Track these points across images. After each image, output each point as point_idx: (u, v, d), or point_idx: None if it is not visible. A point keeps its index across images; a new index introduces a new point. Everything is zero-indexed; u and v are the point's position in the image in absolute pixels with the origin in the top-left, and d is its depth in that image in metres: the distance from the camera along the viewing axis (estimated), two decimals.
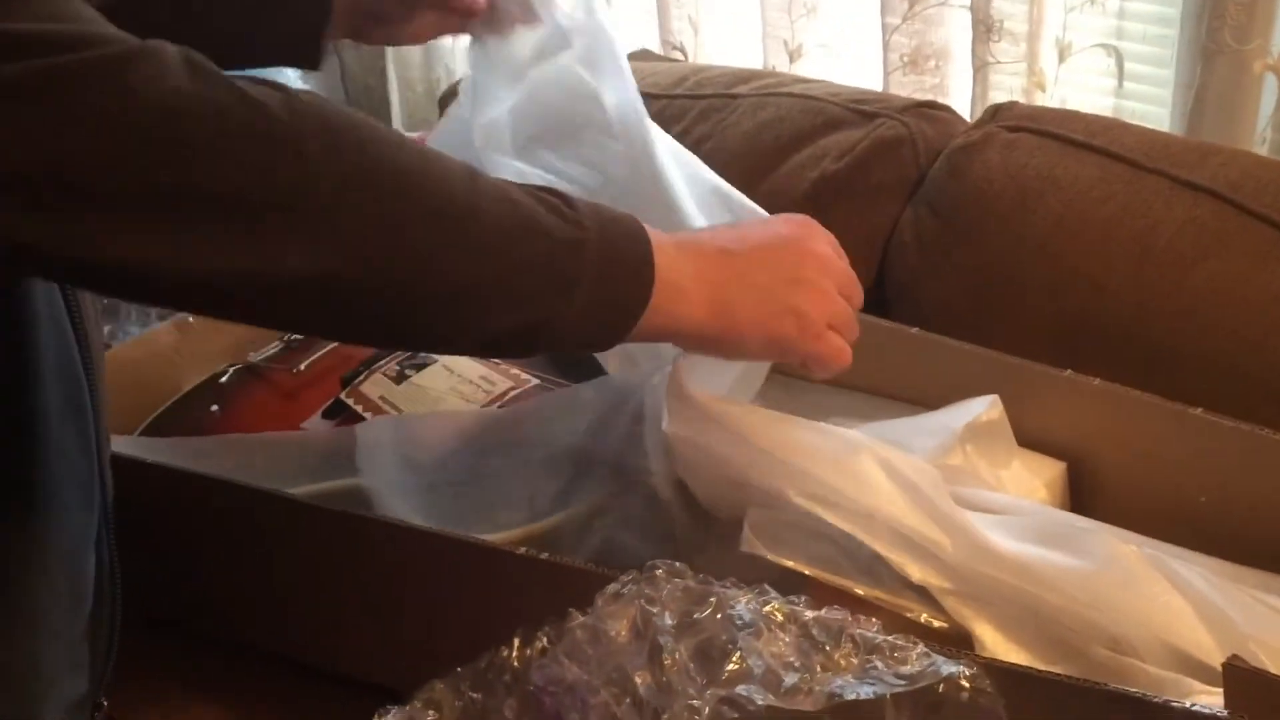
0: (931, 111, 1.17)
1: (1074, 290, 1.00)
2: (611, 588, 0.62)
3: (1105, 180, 1.02)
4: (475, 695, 0.64)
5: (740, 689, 0.55)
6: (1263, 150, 1.16)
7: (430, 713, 0.64)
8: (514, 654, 0.61)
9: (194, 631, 0.84)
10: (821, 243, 0.66)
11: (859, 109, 1.20)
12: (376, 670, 0.72)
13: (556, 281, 0.55)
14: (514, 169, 0.83)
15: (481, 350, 0.72)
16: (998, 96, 1.30)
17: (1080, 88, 1.31)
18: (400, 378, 0.97)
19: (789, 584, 0.65)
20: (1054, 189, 1.03)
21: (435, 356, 0.97)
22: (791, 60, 1.49)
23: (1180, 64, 1.16)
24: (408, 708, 0.64)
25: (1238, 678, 0.49)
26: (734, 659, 0.56)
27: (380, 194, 0.51)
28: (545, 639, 0.61)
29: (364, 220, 0.50)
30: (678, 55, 1.62)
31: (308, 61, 0.81)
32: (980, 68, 1.31)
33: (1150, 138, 1.05)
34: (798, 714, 0.54)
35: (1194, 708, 0.49)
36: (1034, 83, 1.30)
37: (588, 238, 0.56)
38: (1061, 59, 1.29)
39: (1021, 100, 1.27)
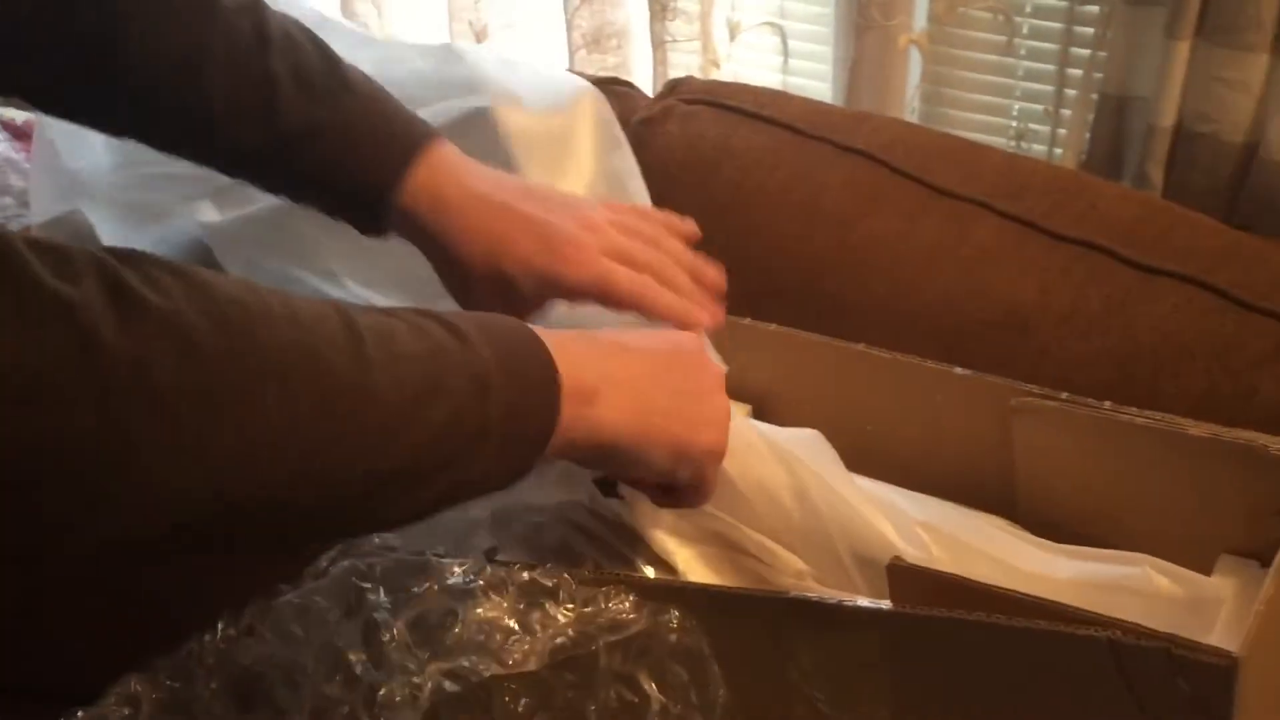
0: (613, 88, 1.21)
1: (753, 252, 1.06)
2: (322, 562, 0.61)
3: (775, 148, 1.08)
4: (175, 685, 0.62)
5: (463, 660, 0.55)
6: (913, 118, 1.27)
7: (124, 709, 0.61)
8: (217, 638, 0.59)
9: None
10: (714, 360, 0.62)
11: None
12: (71, 678, 0.68)
13: (464, 441, 0.48)
14: None
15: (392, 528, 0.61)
16: (677, 73, 1.36)
17: (751, 64, 1.38)
18: None
19: None
20: (729, 158, 1.09)
21: None
22: (478, 40, 1.50)
23: (837, 40, 1.25)
24: (99, 708, 0.61)
25: (900, 574, 0.54)
26: (454, 629, 0.56)
27: (260, 424, 0.41)
28: (249, 619, 0.60)
29: (244, 453, 0.41)
30: None
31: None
32: (659, 45, 1.37)
33: (813, 108, 1.13)
34: (521, 675, 0.55)
35: (862, 603, 0.53)
36: (709, 60, 1.36)
37: (489, 375, 0.48)
38: (732, 37, 1.36)
39: (699, 76, 1.33)
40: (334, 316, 0.45)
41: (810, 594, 0.55)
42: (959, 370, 0.72)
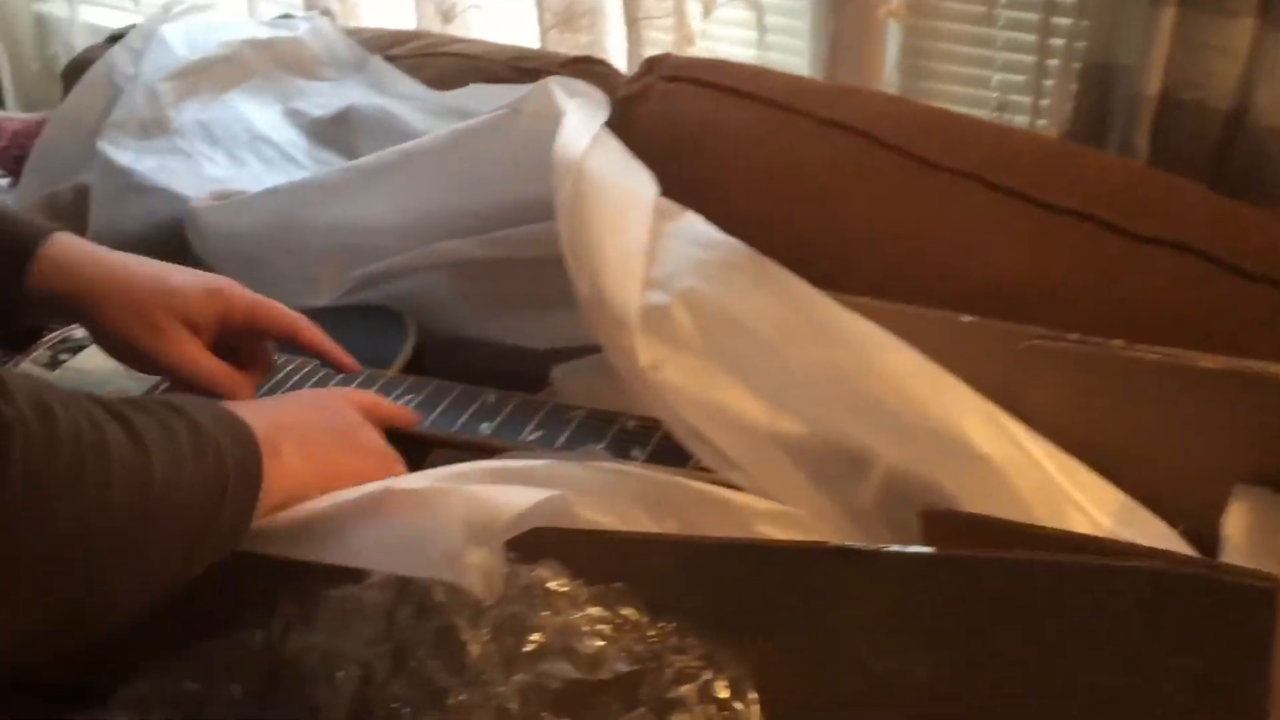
0: (590, 66, 1.19)
1: (738, 231, 1.04)
2: None
3: (758, 123, 1.07)
4: (191, 685, 0.61)
5: (545, 668, 0.54)
6: (891, 92, 1.26)
7: (130, 713, 0.59)
8: (250, 634, 0.58)
9: None
10: (343, 392, 0.73)
11: (520, 66, 1.20)
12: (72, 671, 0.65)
13: (216, 499, 0.55)
14: None
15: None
16: (650, 51, 1.34)
17: (727, 40, 1.37)
18: (54, 363, 0.89)
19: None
20: (713, 135, 1.08)
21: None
22: (445, 21, 1.48)
23: (814, 13, 1.24)
24: (102, 711, 0.59)
25: (934, 519, 0.54)
26: (534, 637, 0.55)
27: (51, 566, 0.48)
28: (291, 616, 0.58)
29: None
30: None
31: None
32: (632, 23, 1.35)
33: (796, 82, 1.12)
34: (599, 684, 0.54)
35: (908, 549, 0.53)
36: (683, 36, 1.34)
37: (220, 440, 0.56)
38: (706, 13, 1.35)
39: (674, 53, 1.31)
40: (99, 407, 0.52)
41: (851, 544, 0.54)
42: (965, 318, 0.72)
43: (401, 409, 0.76)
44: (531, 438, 0.74)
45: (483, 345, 0.94)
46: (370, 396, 0.74)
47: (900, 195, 1.01)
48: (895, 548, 0.54)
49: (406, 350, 0.87)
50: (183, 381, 0.73)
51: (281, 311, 0.76)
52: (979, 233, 0.96)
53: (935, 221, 0.98)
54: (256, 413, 0.60)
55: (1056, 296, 0.91)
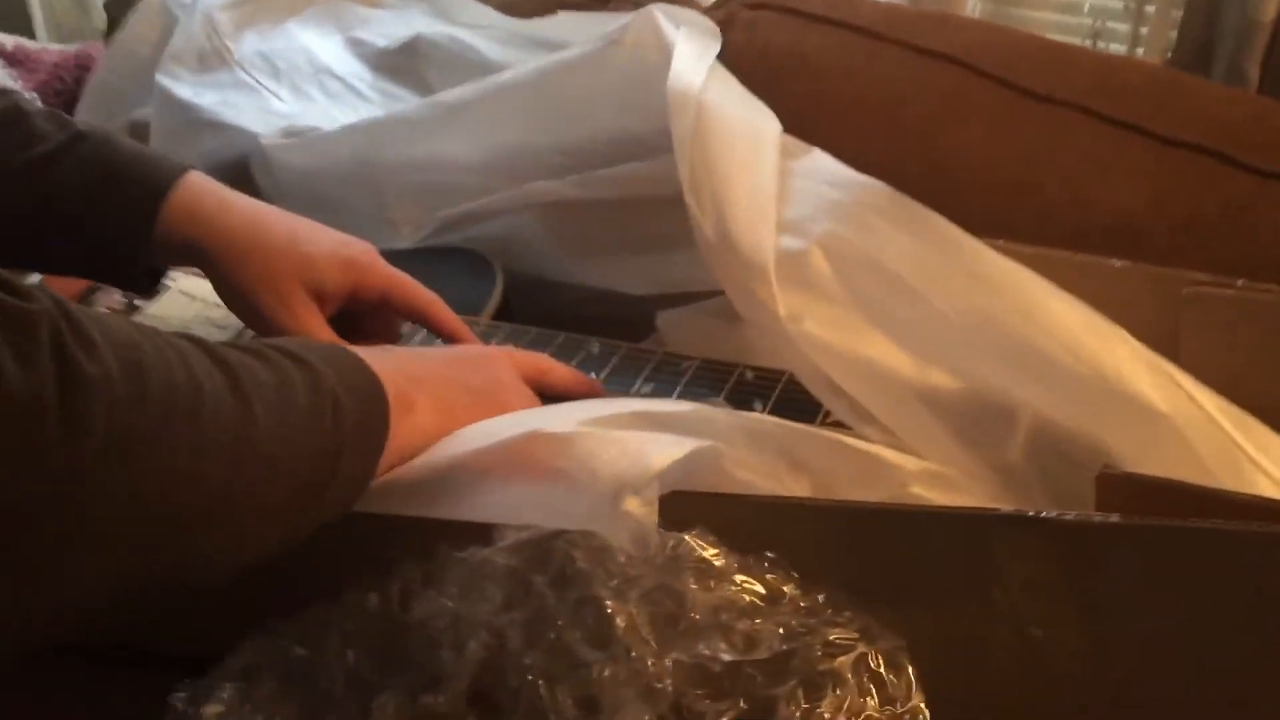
0: None
1: None
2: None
3: (849, 53, 1.02)
4: (301, 651, 0.58)
5: (701, 647, 0.50)
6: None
7: (237, 681, 0.57)
8: (365, 598, 0.55)
9: None
10: (508, 352, 0.68)
11: None
12: (174, 639, 0.63)
13: (327, 462, 0.51)
14: None
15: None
16: None
17: None
18: (130, 309, 0.86)
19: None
20: (802, 65, 1.03)
21: (168, 283, 0.86)
22: None
23: None
24: (208, 679, 0.56)
25: (1110, 481, 0.50)
26: (688, 612, 0.51)
27: (155, 510, 0.45)
28: (405, 582, 0.55)
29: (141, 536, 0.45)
30: None
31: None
32: None
33: (886, 9, 1.07)
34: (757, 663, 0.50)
35: (1094, 518, 0.49)
36: None
37: (338, 393, 0.52)
38: None
39: None
40: (207, 358, 0.48)
41: (1026, 511, 0.51)
42: (1116, 262, 0.68)
43: (579, 376, 0.70)
44: (645, 389, 0.70)
45: (569, 289, 0.90)
46: (542, 361, 0.69)
47: (1003, 128, 0.96)
48: (1074, 515, 0.50)
49: (496, 295, 0.83)
50: None
51: (415, 291, 0.72)
52: (1091, 168, 0.92)
53: (1042, 156, 0.94)
54: (394, 365, 0.57)
55: (1183, 233, 0.87)
